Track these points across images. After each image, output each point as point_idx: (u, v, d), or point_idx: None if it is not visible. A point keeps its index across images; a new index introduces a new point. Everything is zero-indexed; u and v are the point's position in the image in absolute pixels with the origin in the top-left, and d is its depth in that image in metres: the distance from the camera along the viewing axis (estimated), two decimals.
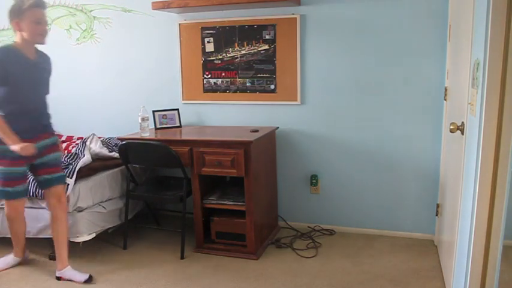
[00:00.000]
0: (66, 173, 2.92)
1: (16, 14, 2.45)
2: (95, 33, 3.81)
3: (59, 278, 2.78)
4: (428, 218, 3.20)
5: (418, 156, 3.15)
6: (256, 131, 3.18)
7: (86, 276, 2.74)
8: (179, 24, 3.53)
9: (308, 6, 3.21)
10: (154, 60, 3.69)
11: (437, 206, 3.11)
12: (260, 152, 3.07)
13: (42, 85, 2.67)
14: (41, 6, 2.50)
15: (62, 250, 2.77)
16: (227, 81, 3.50)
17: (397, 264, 2.88)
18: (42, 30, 2.51)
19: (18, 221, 2.82)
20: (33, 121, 2.64)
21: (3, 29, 4.12)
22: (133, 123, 3.52)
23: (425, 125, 3.10)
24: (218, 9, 3.34)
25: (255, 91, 3.45)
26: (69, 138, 3.80)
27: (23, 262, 2.99)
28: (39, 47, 2.62)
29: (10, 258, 2.96)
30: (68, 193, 2.84)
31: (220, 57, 3.48)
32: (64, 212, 2.77)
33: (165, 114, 3.53)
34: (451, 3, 2.82)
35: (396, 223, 3.30)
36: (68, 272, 2.77)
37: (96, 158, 3.20)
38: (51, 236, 2.90)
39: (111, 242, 3.29)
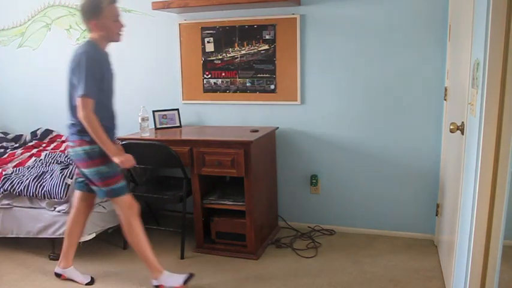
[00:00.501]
0: (66, 173, 2.93)
1: (95, 13, 2.32)
2: None
3: (58, 275, 2.77)
4: (428, 218, 3.20)
5: (418, 156, 3.15)
6: (256, 131, 3.17)
7: (88, 279, 2.74)
8: (179, 24, 3.53)
9: (308, 6, 3.21)
10: (155, 60, 3.69)
11: (437, 206, 3.11)
12: (260, 152, 3.07)
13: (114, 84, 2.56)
14: (116, 1, 2.39)
15: (72, 249, 2.74)
16: (227, 81, 3.50)
17: (397, 264, 2.88)
18: (120, 27, 2.41)
19: None
20: (114, 124, 2.56)
21: (3, 29, 4.13)
22: (133, 123, 3.51)
23: (425, 125, 3.10)
24: (218, 9, 3.34)
25: (255, 91, 3.44)
26: None
27: (23, 263, 2.98)
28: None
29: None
30: (67, 193, 2.84)
31: (220, 57, 3.47)
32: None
33: (165, 114, 3.53)
34: (451, 3, 2.82)
35: (396, 223, 3.30)
36: (71, 271, 2.76)
37: None
38: (51, 236, 2.91)
39: (111, 242, 3.29)
